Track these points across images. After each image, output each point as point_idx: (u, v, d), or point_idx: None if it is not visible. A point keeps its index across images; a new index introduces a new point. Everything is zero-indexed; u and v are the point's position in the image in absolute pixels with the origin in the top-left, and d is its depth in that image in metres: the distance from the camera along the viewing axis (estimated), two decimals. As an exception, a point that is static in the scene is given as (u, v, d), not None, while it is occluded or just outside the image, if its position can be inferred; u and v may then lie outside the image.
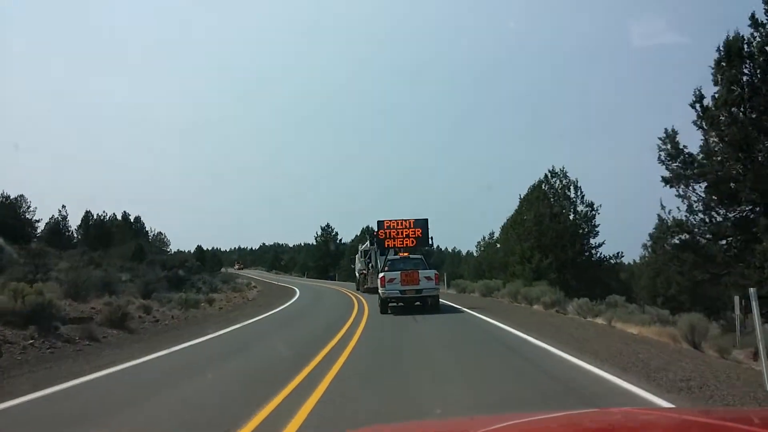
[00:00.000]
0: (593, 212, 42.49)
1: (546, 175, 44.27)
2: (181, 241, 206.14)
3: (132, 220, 72.56)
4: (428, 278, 17.40)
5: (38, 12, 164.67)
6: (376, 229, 25.27)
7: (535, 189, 44.69)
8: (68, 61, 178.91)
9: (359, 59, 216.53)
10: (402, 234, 22.94)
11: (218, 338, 12.75)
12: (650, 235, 47.00)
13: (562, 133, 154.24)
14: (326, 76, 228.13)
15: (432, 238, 23.43)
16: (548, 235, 40.04)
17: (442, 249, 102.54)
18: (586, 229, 42.48)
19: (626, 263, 48.09)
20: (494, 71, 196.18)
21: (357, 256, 38.01)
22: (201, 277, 33.85)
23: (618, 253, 41.95)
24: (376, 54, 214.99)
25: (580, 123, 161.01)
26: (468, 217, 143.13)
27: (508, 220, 51.92)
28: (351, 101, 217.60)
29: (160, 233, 77.90)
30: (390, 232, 23.06)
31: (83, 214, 65.63)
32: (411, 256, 20.08)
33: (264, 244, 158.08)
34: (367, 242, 33.15)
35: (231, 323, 16.24)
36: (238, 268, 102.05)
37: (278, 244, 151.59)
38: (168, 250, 74.30)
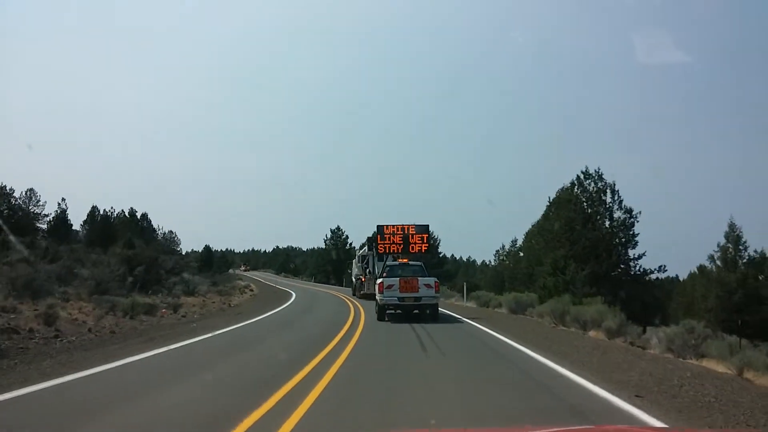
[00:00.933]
0: (632, 219, 37.76)
1: (578, 177, 39.25)
2: (194, 242, 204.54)
3: (138, 217, 69.31)
4: (428, 286, 16.84)
5: (36, 11, 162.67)
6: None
7: (565, 192, 40.10)
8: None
9: (402, 61, 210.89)
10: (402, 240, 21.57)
11: (116, 371, 8.33)
12: (719, 245, 41.11)
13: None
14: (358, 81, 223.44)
15: (439, 240, 21.66)
16: (580, 244, 35.25)
17: (456, 258, 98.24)
18: (624, 239, 37.77)
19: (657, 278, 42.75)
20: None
21: (354, 261, 37.00)
22: (181, 277, 29.59)
23: (661, 267, 37.10)
24: (415, 63, 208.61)
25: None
26: (480, 226, 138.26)
27: (533, 225, 47.08)
28: (375, 109, 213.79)
29: (170, 232, 74.27)
30: (390, 238, 21.61)
31: (90, 209, 63.31)
32: (410, 262, 19.19)
33: (277, 246, 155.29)
34: (365, 247, 31.86)
35: (174, 340, 11.94)
36: (244, 270, 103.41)
37: (291, 247, 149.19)
38: (179, 249, 71.11)
